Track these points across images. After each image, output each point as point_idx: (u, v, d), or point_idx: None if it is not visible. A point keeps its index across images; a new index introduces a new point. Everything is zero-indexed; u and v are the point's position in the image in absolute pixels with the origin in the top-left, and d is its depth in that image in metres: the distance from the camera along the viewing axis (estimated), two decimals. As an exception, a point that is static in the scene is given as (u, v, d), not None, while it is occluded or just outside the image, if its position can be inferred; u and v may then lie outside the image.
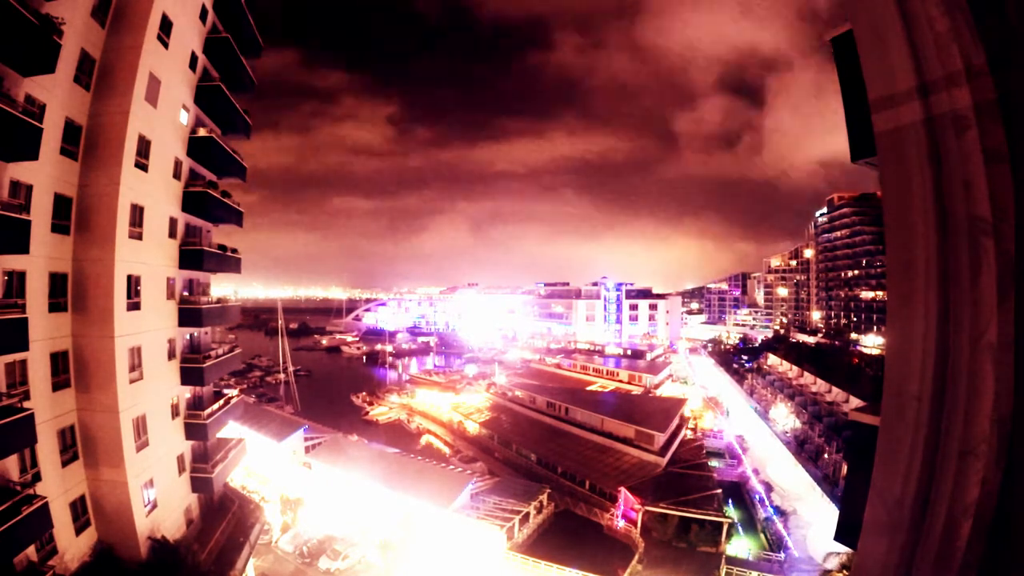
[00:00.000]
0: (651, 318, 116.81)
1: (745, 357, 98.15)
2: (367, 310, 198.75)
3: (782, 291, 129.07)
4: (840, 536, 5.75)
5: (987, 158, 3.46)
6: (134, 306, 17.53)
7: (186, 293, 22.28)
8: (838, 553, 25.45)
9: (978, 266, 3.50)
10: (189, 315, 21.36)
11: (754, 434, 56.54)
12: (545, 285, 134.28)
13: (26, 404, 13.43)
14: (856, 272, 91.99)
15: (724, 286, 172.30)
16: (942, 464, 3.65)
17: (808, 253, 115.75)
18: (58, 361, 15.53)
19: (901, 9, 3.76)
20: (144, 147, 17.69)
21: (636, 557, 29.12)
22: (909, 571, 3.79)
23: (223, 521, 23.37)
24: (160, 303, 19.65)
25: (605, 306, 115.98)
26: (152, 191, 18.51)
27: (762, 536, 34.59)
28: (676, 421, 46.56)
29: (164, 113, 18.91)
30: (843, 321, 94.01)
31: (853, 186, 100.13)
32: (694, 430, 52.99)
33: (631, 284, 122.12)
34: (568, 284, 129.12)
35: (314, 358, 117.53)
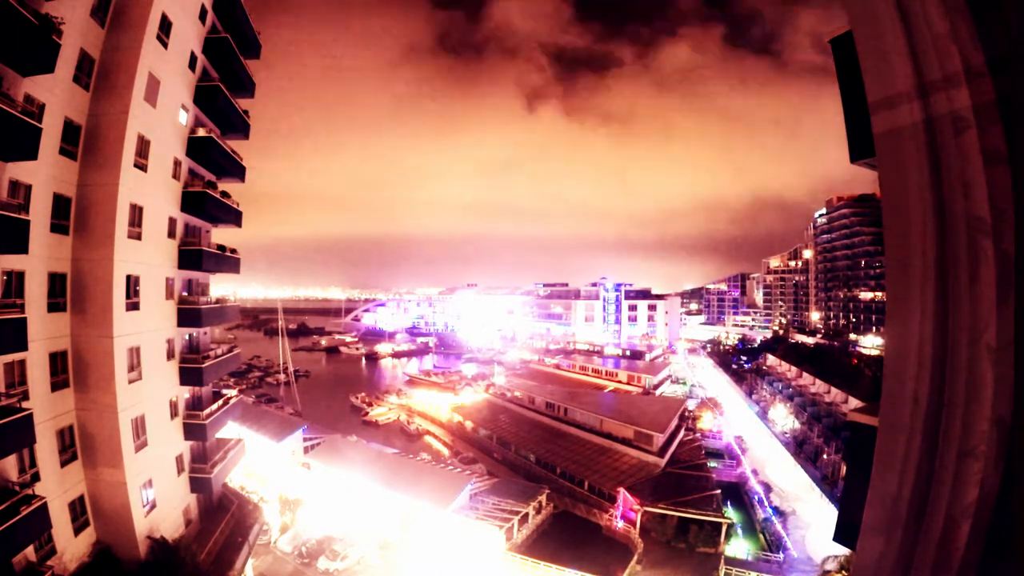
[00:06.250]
0: (650, 319, 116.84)
1: (744, 358, 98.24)
2: (366, 311, 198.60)
3: (781, 292, 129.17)
4: (839, 537, 5.75)
5: (986, 159, 3.47)
6: (133, 306, 17.51)
7: (185, 293, 22.25)
8: (836, 556, 25.45)
9: (977, 267, 3.51)
10: (188, 315, 21.33)
11: (753, 434, 56.59)
12: (544, 285, 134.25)
13: (25, 404, 13.41)
14: (855, 273, 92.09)
15: (723, 287, 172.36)
16: (941, 465, 3.65)
17: (807, 254, 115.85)
18: (57, 361, 15.51)
19: (900, 10, 3.77)
20: (143, 147, 17.68)
21: (635, 558, 29.12)
22: (908, 572, 3.79)
23: (222, 521, 23.33)
24: (159, 303, 19.63)
25: (604, 307, 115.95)
26: (151, 191, 18.49)
27: (761, 537, 34.59)
28: (675, 421, 46.56)
29: (163, 113, 18.90)
30: (842, 322, 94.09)
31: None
32: (693, 430, 53.01)
33: (630, 285, 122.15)
34: (567, 285, 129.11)
35: (313, 358, 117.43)
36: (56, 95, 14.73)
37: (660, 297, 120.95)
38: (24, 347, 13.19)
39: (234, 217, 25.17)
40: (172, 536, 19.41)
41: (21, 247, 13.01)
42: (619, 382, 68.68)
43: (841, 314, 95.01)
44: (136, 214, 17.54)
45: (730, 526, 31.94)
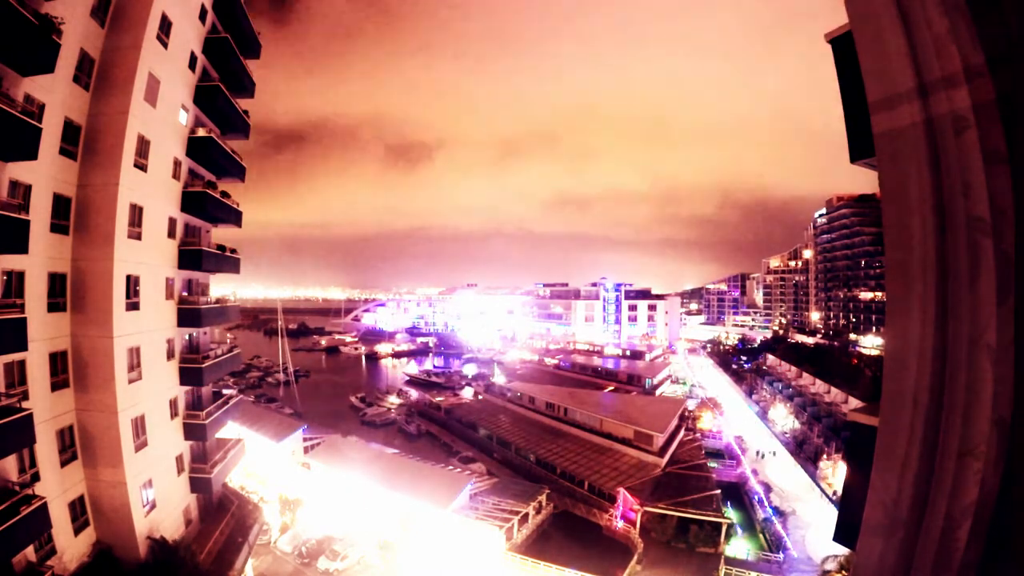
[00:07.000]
0: (650, 319, 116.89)
1: (744, 358, 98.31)
2: (366, 311, 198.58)
3: (781, 292, 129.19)
4: (839, 537, 5.75)
5: (986, 159, 3.46)
6: (133, 306, 17.50)
7: (185, 293, 22.25)
8: (836, 556, 25.45)
9: (977, 267, 3.50)
10: (188, 315, 21.33)
11: (753, 434, 56.58)
12: (544, 285, 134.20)
13: (25, 404, 13.40)
14: (855, 273, 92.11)
15: (723, 287, 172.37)
16: (941, 465, 3.65)
17: (807, 254, 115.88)
18: (57, 361, 15.50)
19: (900, 10, 3.77)
20: (143, 147, 17.68)
21: (635, 558, 29.11)
22: (908, 572, 3.79)
23: (222, 521, 23.34)
24: (159, 303, 19.63)
25: (604, 307, 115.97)
26: (151, 191, 18.48)
27: (761, 537, 34.59)
28: (675, 421, 46.58)
29: (163, 113, 18.90)
30: (842, 322, 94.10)
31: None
32: (693, 430, 53.00)
33: (630, 285, 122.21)
34: (567, 285, 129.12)
35: (313, 359, 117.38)
36: (56, 95, 14.72)
37: (660, 297, 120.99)
38: (24, 347, 13.18)
39: (234, 217, 25.16)
40: (172, 536, 19.40)
41: (21, 247, 13.01)
42: (619, 382, 68.65)
43: (841, 314, 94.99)
44: (136, 214, 17.54)
45: (730, 526, 31.94)
